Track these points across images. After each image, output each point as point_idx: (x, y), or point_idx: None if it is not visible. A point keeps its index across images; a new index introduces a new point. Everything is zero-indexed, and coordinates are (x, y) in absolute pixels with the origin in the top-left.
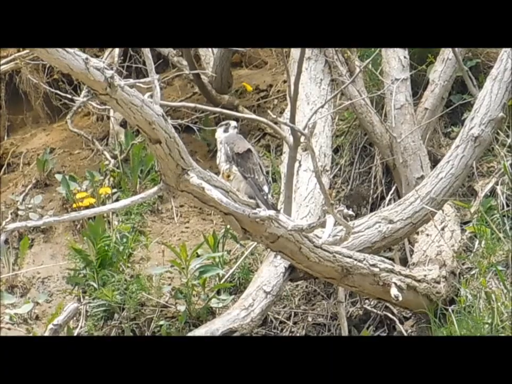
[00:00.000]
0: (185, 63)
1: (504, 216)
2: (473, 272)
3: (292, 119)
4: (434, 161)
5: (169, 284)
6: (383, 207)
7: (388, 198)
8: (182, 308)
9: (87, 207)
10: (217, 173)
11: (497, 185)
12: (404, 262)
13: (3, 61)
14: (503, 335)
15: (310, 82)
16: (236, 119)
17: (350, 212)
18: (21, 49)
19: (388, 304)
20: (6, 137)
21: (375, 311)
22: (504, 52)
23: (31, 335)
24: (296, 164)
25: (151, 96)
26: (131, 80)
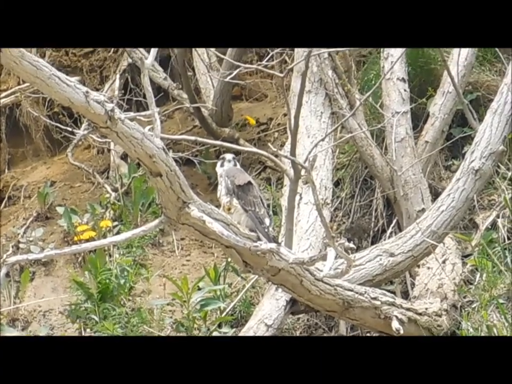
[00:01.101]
0: (185, 96)
1: (505, 249)
2: (475, 305)
3: (293, 152)
4: (435, 194)
5: (171, 317)
6: (384, 240)
7: (388, 231)
8: None
9: (87, 240)
10: (218, 206)
11: (498, 218)
12: (405, 295)
13: (3, 94)
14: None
15: (311, 116)
16: (236, 152)
17: (351, 245)
18: (21, 82)
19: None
20: (6, 171)
21: None
22: (504, 85)
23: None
24: (297, 197)
25: (152, 129)
26: (131, 113)
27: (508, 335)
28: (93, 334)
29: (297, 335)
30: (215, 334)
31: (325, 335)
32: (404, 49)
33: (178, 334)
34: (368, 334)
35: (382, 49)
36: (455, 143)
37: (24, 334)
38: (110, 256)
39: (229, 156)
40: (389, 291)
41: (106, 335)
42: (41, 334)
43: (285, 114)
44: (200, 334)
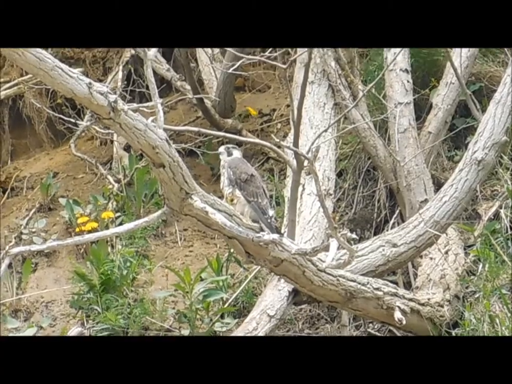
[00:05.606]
0: (188, 87)
1: (508, 239)
2: (477, 295)
3: (295, 143)
4: (438, 185)
5: (173, 308)
6: (387, 230)
7: (391, 222)
8: (185, 331)
9: (90, 231)
10: (221, 197)
11: (501, 208)
12: (408, 285)
13: (6, 85)
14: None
15: (313, 106)
16: (239, 143)
17: (354, 236)
18: (24, 73)
19: (391, 328)
20: (9, 162)
21: (378, 334)
22: (507, 76)
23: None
24: (300, 188)
25: (155, 120)
26: (134, 105)
27: (510, 325)
28: (95, 325)
29: (300, 325)
30: (217, 324)
31: (327, 325)
32: None
33: (180, 325)
34: (370, 325)
35: None
36: (458, 134)
37: (26, 324)
38: (112, 247)
39: (221, 148)
40: (391, 282)
41: (105, 335)
42: (43, 325)
43: (287, 105)
44: (202, 325)
